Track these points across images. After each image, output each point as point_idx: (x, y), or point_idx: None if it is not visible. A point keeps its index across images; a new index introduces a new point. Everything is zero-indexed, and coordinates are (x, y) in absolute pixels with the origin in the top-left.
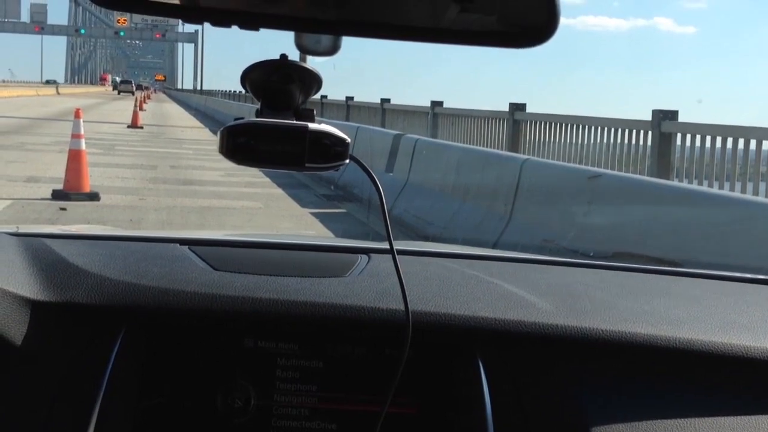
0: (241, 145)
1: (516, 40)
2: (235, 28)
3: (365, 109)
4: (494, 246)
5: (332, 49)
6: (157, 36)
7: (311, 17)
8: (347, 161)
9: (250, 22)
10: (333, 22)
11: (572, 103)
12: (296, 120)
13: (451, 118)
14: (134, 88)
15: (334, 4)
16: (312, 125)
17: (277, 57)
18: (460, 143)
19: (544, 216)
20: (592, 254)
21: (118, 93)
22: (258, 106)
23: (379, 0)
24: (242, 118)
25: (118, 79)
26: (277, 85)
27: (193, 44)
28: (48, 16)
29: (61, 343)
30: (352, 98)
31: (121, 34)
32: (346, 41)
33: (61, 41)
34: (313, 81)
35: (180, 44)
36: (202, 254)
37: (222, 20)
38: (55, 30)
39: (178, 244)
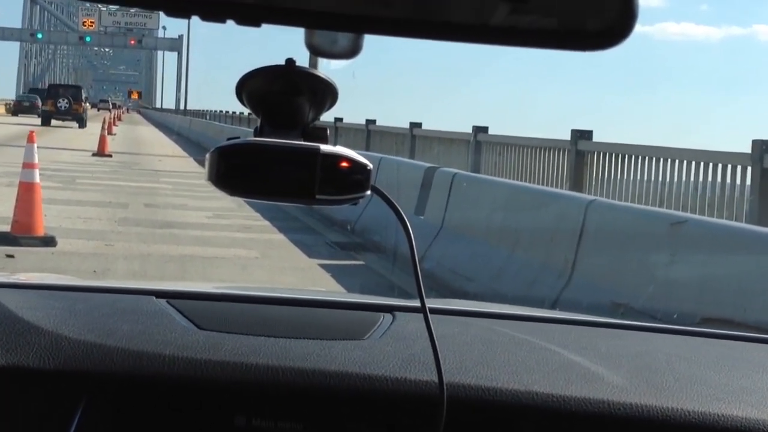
0: (235, 170)
1: (580, 43)
2: (230, 23)
3: (390, 135)
4: (552, 306)
5: (351, 51)
6: (132, 42)
7: (326, 11)
8: (368, 193)
9: (249, 15)
10: (353, 17)
11: (650, 130)
12: (305, 141)
13: (499, 147)
14: (110, 106)
15: None
16: (324, 147)
17: (282, 62)
18: (509, 179)
19: (614, 270)
20: (675, 317)
21: (98, 110)
22: (257, 124)
23: None
24: (237, 138)
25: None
26: (282, 97)
27: (176, 53)
28: None
29: (7, 417)
30: (373, 122)
31: (87, 39)
32: (368, 43)
33: (13, 48)
34: (327, 92)
35: (160, 53)
36: (184, 309)
37: (214, 14)
38: (6, 34)
39: (153, 297)
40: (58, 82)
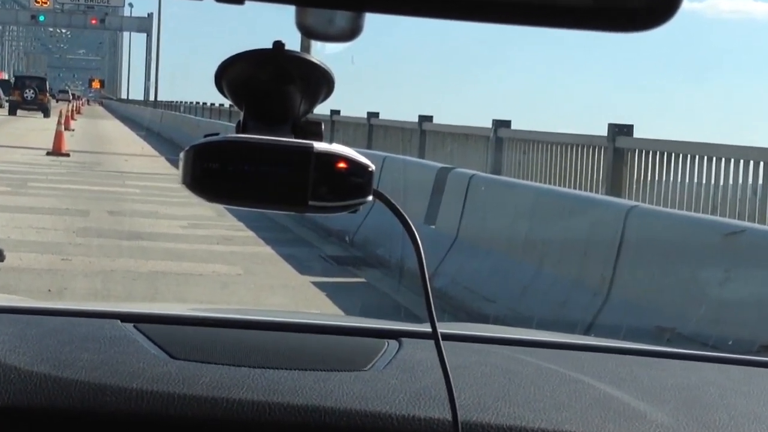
0: (213, 173)
1: (618, 23)
2: (209, 1)
3: (396, 130)
4: (587, 331)
5: (350, 33)
6: (93, 22)
7: None
8: (369, 198)
9: None
10: None
11: (700, 125)
12: (295, 137)
13: (523, 144)
14: (70, 97)
15: None
16: (319, 145)
17: (269, 45)
18: (536, 182)
19: (659, 288)
20: (729, 344)
21: (57, 101)
22: (240, 117)
23: None
24: (216, 134)
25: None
26: (269, 85)
27: (144, 34)
28: None
29: None
30: (376, 115)
31: (41, 19)
32: (369, 23)
33: None
34: (321, 80)
35: (126, 34)
36: (154, 335)
37: None
38: None
39: (118, 321)
40: (20, 70)
